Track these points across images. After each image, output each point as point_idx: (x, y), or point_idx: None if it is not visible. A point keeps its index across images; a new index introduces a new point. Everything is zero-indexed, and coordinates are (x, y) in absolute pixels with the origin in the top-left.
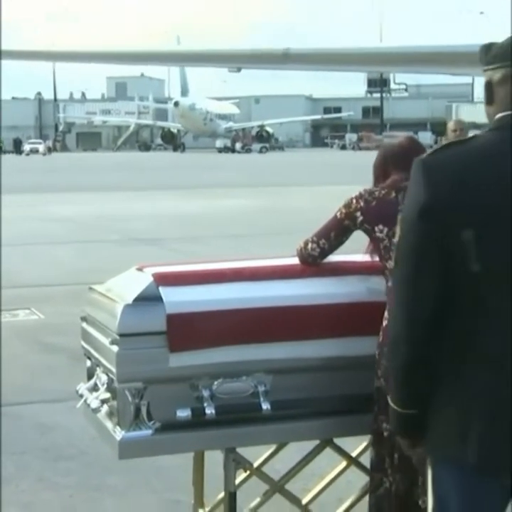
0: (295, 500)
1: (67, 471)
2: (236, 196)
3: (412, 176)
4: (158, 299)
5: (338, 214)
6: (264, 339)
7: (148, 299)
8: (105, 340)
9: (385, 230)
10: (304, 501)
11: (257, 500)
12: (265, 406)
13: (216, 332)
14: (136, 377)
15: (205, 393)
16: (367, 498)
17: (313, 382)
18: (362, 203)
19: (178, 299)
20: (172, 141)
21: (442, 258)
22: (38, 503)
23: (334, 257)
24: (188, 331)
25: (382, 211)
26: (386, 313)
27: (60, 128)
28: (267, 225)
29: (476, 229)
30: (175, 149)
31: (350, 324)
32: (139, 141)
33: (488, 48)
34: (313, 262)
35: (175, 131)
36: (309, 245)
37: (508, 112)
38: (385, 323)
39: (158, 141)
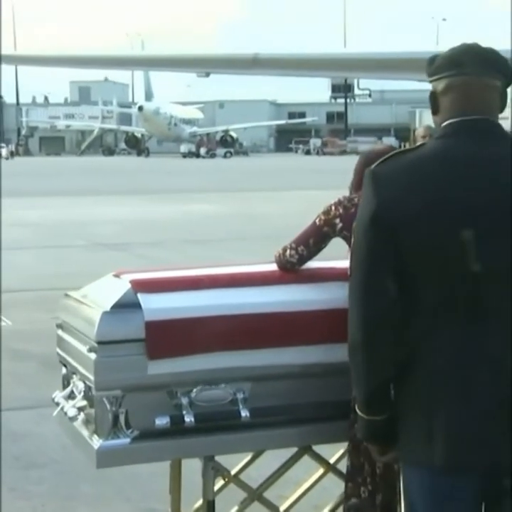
0: (273, 507)
1: (40, 479)
2: (202, 201)
3: (363, 185)
4: (137, 305)
5: (317, 221)
6: (243, 346)
7: (126, 306)
8: (82, 348)
9: None
10: (282, 509)
11: (235, 508)
12: (244, 413)
13: (195, 339)
14: (114, 385)
15: (184, 401)
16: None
17: (292, 389)
18: (341, 210)
19: (157, 305)
20: (136, 145)
21: (395, 261)
22: (10, 511)
23: (312, 264)
24: (167, 338)
25: None
26: None
27: (23, 132)
28: (234, 230)
29: (425, 232)
30: (139, 154)
31: (328, 331)
32: (103, 145)
33: (432, 59)
34: (291, 269)
35: (139, 135)
36: (288, 252)
37: (453, 120)
38: None
39: (122, 145)
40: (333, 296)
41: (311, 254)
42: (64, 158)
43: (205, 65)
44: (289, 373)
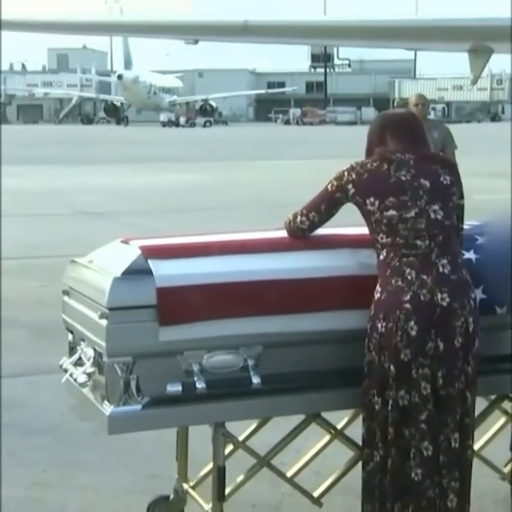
0: (280, 474)
1: (38, 446)
2: (184, 171)
3: None
4: (148, 272)
5: (329, 186)
6: (254, 313)
7: (137, 272)
8: (92, 315)
9: (377, 202)
10: (289, 475)
11: (243, 475)
12: (255, 380)
13: (206, 306)
14: (125, 352)
15: (195, 367)
16: (352, 471)
17: (303, 355)
18: (354, 176)
19: (168, 272)
20: (115, 114)
21: None
22: (10, 477)
23: (323, 230)
24: (178, 304)
25: (374, 184)
26: (378, 287)
27: (0, 100)
28: (219, 199)
29: None
30: (118, 122)
31: (341, 298)
32: (82, 114)
33: None
34: (301, 235)
35: (118, 104)
36: (298, 218)
37: None
38: (376, 296)
39: (101, 114)
40: (345, 262)
41: (323, 220)
42: (42, 127)
43: (195, 32)
44: (300, 340)
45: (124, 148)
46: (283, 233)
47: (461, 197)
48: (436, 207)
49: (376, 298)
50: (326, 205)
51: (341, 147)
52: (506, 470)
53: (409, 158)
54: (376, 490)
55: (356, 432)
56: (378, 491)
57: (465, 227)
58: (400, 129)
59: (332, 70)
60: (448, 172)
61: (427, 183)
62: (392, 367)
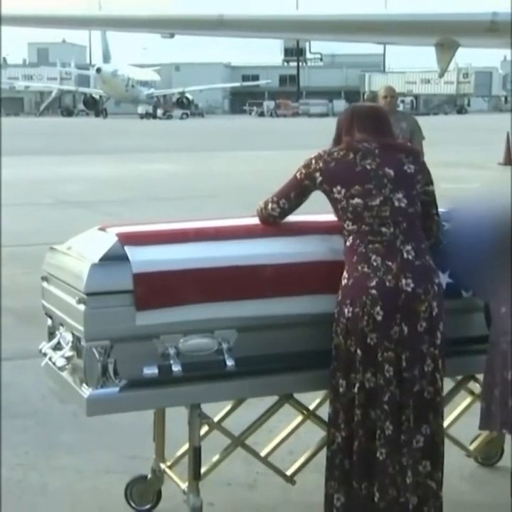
0: (255, 453)
1: (23, 428)
2: (163, 161)
3: None
4: (124, 258)
5: (298, 174)
6: (228, 297)
7: (114, 258)
8: (71, 300)
9: (343, 190)
10: (263, 454)
11: (218, 454)
12: (230, 363)
13: (182, 291)
14: (103, 336)
15: (171, 351)
16: (324, 450)
17: (276, 339)
18: (321, 164)
19: (144, 258)
20: (94, 106)
21: None
22: None
23: (294, 217)
24: (155, 289)
25: (341, 172)
26: (345, 273)
27: None
28: (194, 189)
29: None
30: (97, 115)
31: (311, 283)
32: (62, 106)
33: None
34: (273, 222)
35: (97, 97)
36: (269, 205)
37: None
38: (343, 282)
39: (81, 106)
40: (315, 249)
41: (292, 207)
42: (23, 119)
43: (171, 26)
44: (272, 324)
45: (104, 139)
46: (256, 220)
47: (428, 184)
48: (400, 195)
49: (343, 284)
50: (295, 193)
51: (314, 138)
52: (472, 447)
53: (374, 147)
54: (336, 470)
55: (328, 412)
56: (338, 471)
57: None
58: (367, 118)
59: (304, 63)
60: (412, 161)
61: (392, 172)
62: (358, 350)
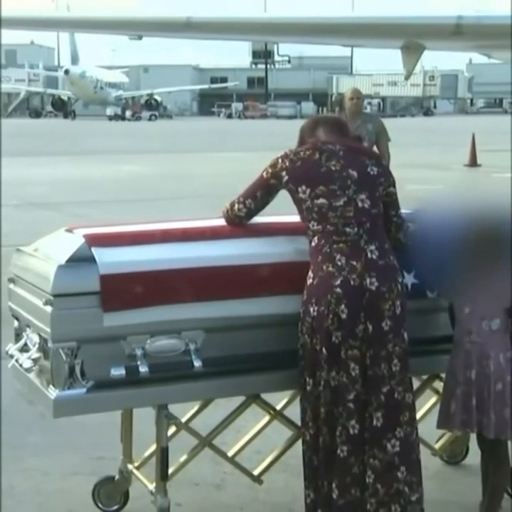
0: (222, 454)
1: None
2: (130, 162)
3: None
4: (91, 259)
5: (265, 174)
6: (196, 298)
7: (81, 259)
8: (37, 301)
9: (308, 190)
10: (230, 454)
11: (185, 455)
12: (197, 363)
13: (149, 292)
14: (70, 337)
15: (139, 352)
16: (291, 450)
17: (243, 339)
18: (287, 163)
19: (111, 259)
20: (63, 108)
21: None
22: None
23: (260, 219)
24: (122, 291)
25: (306, 172)
26: (310, 272)
27: None
28: (162, 190)
29: None
30: (65, 116)
31: (278, 283)
32: (30, 108)
33: None
34: (239, 223)
35: (65, 98)
36: (236, 206)
37: None
38: (308, 281)
39: (49, 108)
40: (281, 249)
41: (259, 207)
42: None
43: (139, 28)
44: (239, 324)
45: (72, 141)
46: (223, 222)
47: (390, 186)
48: (363, 196)
49: (308, 283)
50: (262, 192)
51: (282, 140)
52: (437, 446)
53: (338, 149)
54: (307, 467)
55: (295, 411)
56: (308, 469)
57: None
58: (330, 124)
59: (272, 66)
60: (374, 163)
61: (355, 174)
62: (323, 349)
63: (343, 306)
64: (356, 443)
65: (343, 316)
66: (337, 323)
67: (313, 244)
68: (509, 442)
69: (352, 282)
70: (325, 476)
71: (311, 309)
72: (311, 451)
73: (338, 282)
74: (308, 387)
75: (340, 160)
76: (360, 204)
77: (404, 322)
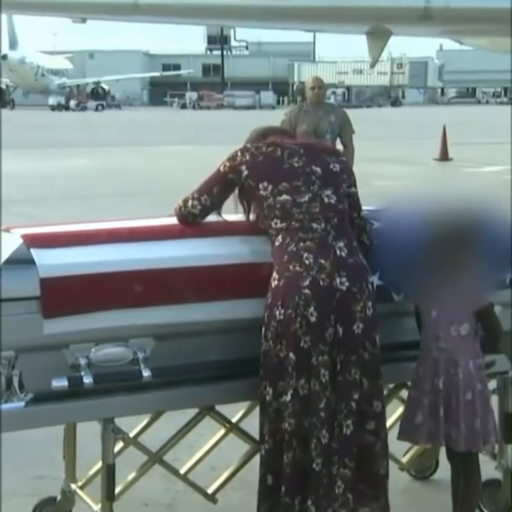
0: (173, 470)
1: None
2: (76, 156)
3: None
4: (30, 261)
5: (222, 168)
6: (144, 303)
7: (19, 262)
8: None
9: (270, 187)
10: (182, 471)
11: (134, 472)
12: (146, 373)
13: (93, 296)
14: (7, 346)
15: (82, 361)
16: (248, 465)
17: (196, 347)
18: (248, 157)
19: (52, 261)
20: (0, 97)
21: None
22: None
23: (215, 217)
24: (64, 295)
25: (268, 168)
26: (274, 274)
27: None
28: (113, 187)
29: None
30: (3, 106)
31: (235, 286)
32: None
33: None
34: (193, 221)
35: (3, 86)
36: (189, 202)
37: None
38: (274, 283)
39: None
40: (238, 250)
41: (215, 204)
42: None
43: (82, 10)
44: (193, 330)
45: (11, 132)
46: (174, 220)
47: (352, 185)
48: (328, 192)
49: (273, 285)
50: (219, 188)
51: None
52: (405, 460)
53: (299, 147)
54: (260, 485)
55: (252, 424)
56: (262, 487)
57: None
58: (281, 133)
59: (229, 52)
60: (336, 160)
61: (319, 170)
62: (291, 355)
63: (312, 309)
64: (327, 453)
65: (313, 319)
66: (306, 327)
67: (277, 243)
68: (479, 455)
69: (321, 282)
70: (293, 494)
71: (277, 313)
72: (266, 468)
73: (306, 283)
74: (267, 397)
75: (302, 157)
76: (326, 200)
77: (376, 325)
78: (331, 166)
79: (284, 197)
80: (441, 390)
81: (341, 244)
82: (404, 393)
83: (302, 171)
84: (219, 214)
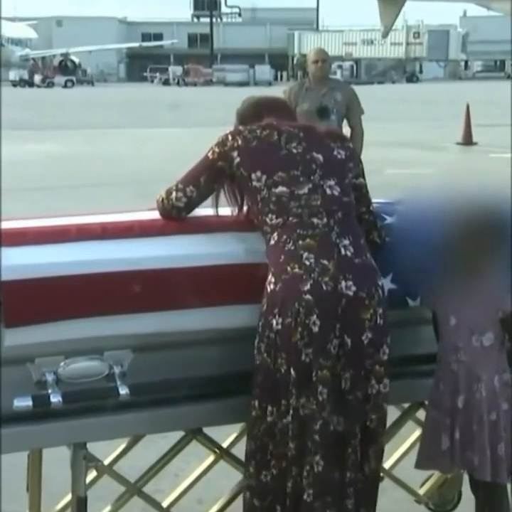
0: (155, 504)
1: None
2: (42, 140)
3: None
4: None
5: (210, 154)
6: (121, 310)
7: None
8: None
9: (264, 177)
10: (165, 505)
11: (109, 506)
12: (123, 391)
13: (62, 302)
14: None
15: (50, 377)
16: (240, 497)
17: (180, 360)
18: (240, 141)
19: (14, 262)
20: None
21: None
22: None
23: (201, 211)
24: (28, 301)
25: (263, 155)
26: (270, 277)
27: None
28: (84, 176)
29: None
30: None
31: (224, 291)
32: None
33: None
34: (177, 215)
35: None
36: (173, 194)
37: None
38: (269, 288)
39: None
40: (227, 250)
41: (202, 196)
42: None
43: None
44: (176, 342)
45: None
46: (155, 214)
47: (359, 176)
48: (331, 182)
49: (269, 290)
50: (206, 177)
51: (230, 113)
52: (422, 491)
53: (298, 130)
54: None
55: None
56: None
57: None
58: (277, 106)
59: (219, 19)
60: (341, 146)
61: (320, 157)
62: (291, 370)
63: (314, 317)
64: (321, 483)
65: (315, 329)
66: (307, 338)
67: (272, 242)
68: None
69: (324, 286)
70: None
71: (274, 322)
72: (258, 498)
73: (307, 287)
74: (269, 418)
75: (302, 142)
76: (328, 191)
77: (386, 335)
78: (335, 153)
79: (280, 189)
80: (460, 410)
81: (346, 242)
82: (420, 414)
83: (301, 158)
84: (215, 208)
